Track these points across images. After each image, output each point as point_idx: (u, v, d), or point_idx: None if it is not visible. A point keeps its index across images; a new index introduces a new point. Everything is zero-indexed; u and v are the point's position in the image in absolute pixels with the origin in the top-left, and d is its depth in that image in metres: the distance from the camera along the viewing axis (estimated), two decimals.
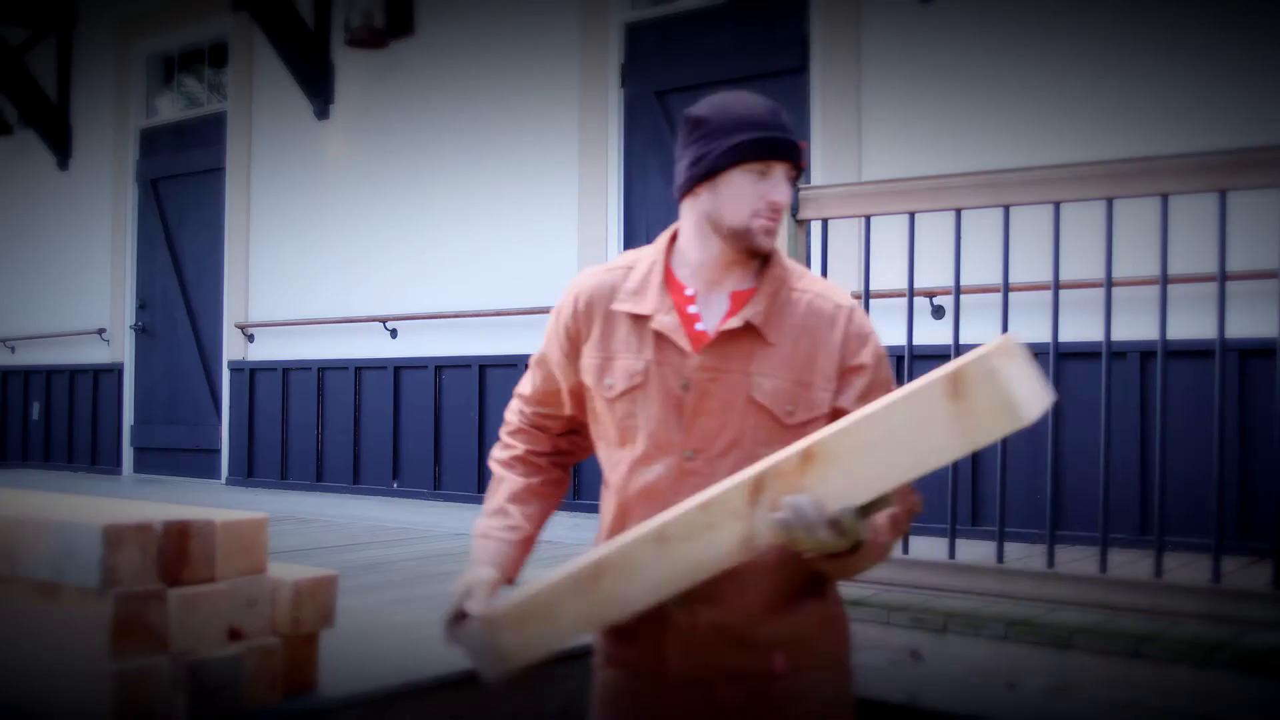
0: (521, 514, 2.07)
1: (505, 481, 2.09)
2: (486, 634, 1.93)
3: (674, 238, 2.03)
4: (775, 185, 1.93)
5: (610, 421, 1.98)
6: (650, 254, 2.03)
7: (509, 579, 2.04)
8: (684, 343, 1.92)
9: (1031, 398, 1.59)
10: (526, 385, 2.12)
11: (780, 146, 1.94)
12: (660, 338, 1.94)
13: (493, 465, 2.12)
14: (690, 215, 1.99)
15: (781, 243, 3.48)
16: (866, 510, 1.69)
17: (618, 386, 1.96)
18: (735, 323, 1.91)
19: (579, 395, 2.03)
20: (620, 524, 1.94)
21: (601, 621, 1.90)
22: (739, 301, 1.95)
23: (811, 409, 1.90)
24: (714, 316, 1.95)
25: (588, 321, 2.00)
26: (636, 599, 1.82)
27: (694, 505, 1.76)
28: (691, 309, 1.96)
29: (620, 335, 1.98)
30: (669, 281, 1.98)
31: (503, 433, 2.13)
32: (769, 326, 1.92)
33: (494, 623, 1.92)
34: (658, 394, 1.93)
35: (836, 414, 1.88)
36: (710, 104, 2.01)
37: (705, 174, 1.95)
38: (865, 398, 1.88)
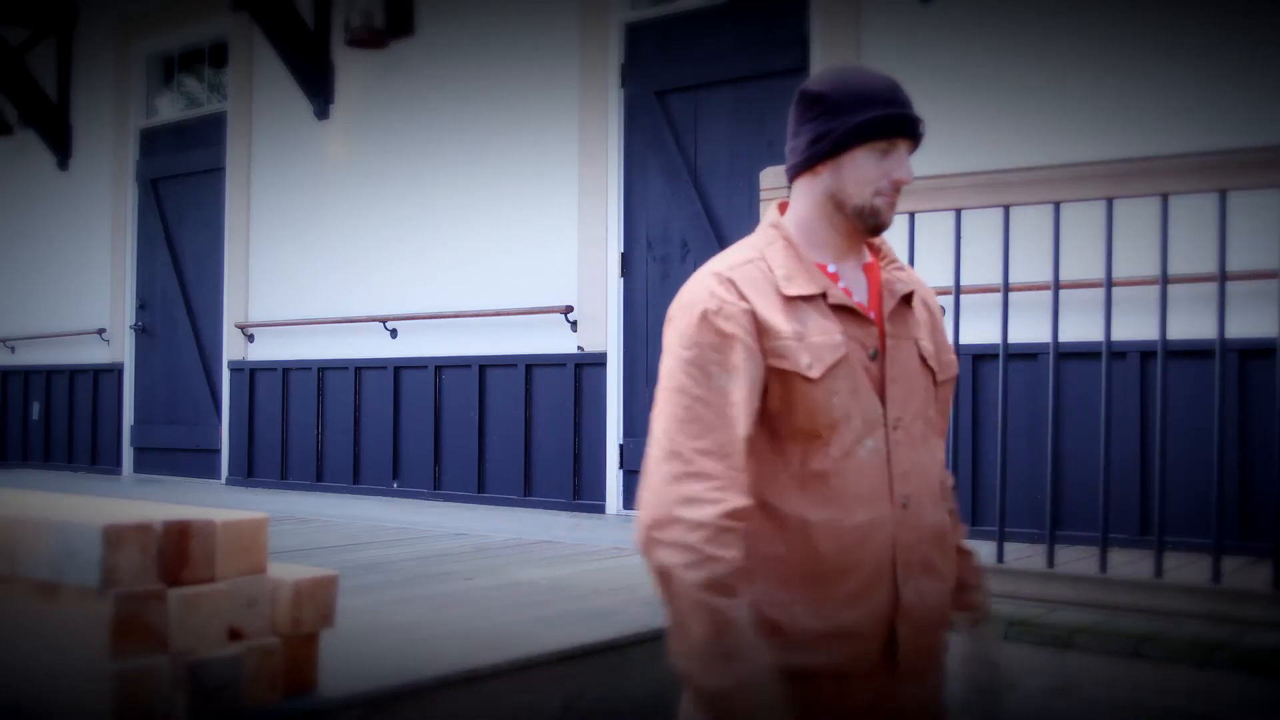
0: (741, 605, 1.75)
1: (738, 609, 1.70)
2: None
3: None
4: (898, 163, 1.91)
5: (815, 402, 1.84)
6: (767, 242, 1.96)
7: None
8: (864, 313, 1.91)
9: None
10: (707, 439, 1.76)
11: (904, 123, 1.91)
12: (840, 312, 1.89)
13: (702, 595, 1.68)
14: (809, 193, 1.96)
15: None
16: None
17: (825, 359, 1.84)
18: (904, 288, 1.95)
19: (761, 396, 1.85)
20: (834, 504, 1.83)
21: None
22: (872, 272, 1.97)
23: (947, 369, 2.00)
24: (859, 289, 1.95)
25: (757, 306, 1.85)
26: None
27: None
28: (841, 284, 1.93)
29: (801, 318, 1.87)
30: (799, 258, 1.93)
31: (696, 540, 1.69)
32: (915, 294, 1.99)
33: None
34: (857, 368, 1.88)
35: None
36: (828, 80, 1.96)
37: (828, 152, 1.92)
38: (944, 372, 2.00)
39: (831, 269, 1.94)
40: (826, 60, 5.40)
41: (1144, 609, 2.95)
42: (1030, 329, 3.87)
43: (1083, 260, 3.64)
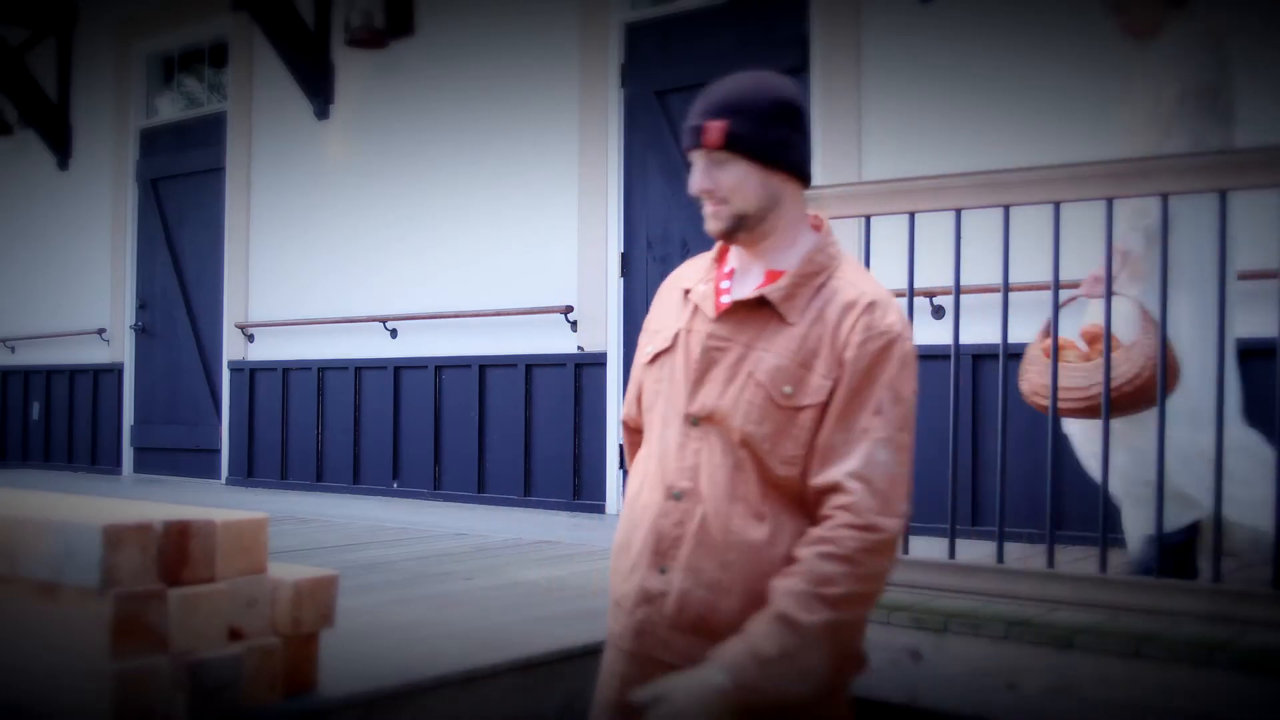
0: None
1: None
2: None
3: None
4: (695, 174, 2.01)
5: (648, 385, 2.04)
6: None
7: None
8: (709, 310, 1.96)
9: None
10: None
11: (688, 136, 2.01)
12: (695, 307, 2.00)
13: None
14: None
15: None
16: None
17: (652, 350, 2.03)
18: (750, 294, 1.94)
19: None
20: (637, 480, 2.01)
21: None
22: (770, 280, 1.97)
23: (809, 395, 1.86)
24: (743, 291, 1.98)
25: (658, 304, 2.12)
26: None
27: None
28: (725, 283, 2.00)
29: (673, 307, 2.06)
30: (720, 258, 2.06)
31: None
32: (788, 305, 1.91)
33: None
34: (681, 359, 1.97)
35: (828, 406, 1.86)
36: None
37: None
38: (859, 397, 1.84)
39: (728, 268, 2.04)
40: (827, 60, 5.40)
41: (1144, 609, 2.95)
42: (1030, 329, 3.86)
43: (1083, 260, 3.64)
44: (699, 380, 1.93)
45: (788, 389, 1.87)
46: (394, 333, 6.99)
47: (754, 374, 1.89)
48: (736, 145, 1.95)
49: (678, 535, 1.90)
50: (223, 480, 7.86)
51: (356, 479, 7.13)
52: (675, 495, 1.91)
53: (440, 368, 6.78)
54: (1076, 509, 4.35)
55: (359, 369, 7.16)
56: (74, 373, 8.99)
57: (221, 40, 8.11)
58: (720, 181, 1.96)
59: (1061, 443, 3.57)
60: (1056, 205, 3.13)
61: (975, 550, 3.40)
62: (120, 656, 1.89)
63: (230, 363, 7.88)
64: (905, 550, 3.36)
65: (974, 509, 4.79)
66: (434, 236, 6.81)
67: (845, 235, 4.61)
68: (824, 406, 1.86)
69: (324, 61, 7.35)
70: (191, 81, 8.53)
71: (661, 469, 1.94)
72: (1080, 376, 3.20)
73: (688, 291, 2.03)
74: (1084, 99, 4.72)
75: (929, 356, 4.70)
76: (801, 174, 2.00)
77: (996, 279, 3.27)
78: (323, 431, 7.35)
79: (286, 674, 2.20)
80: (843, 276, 1.95)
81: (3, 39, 8.80)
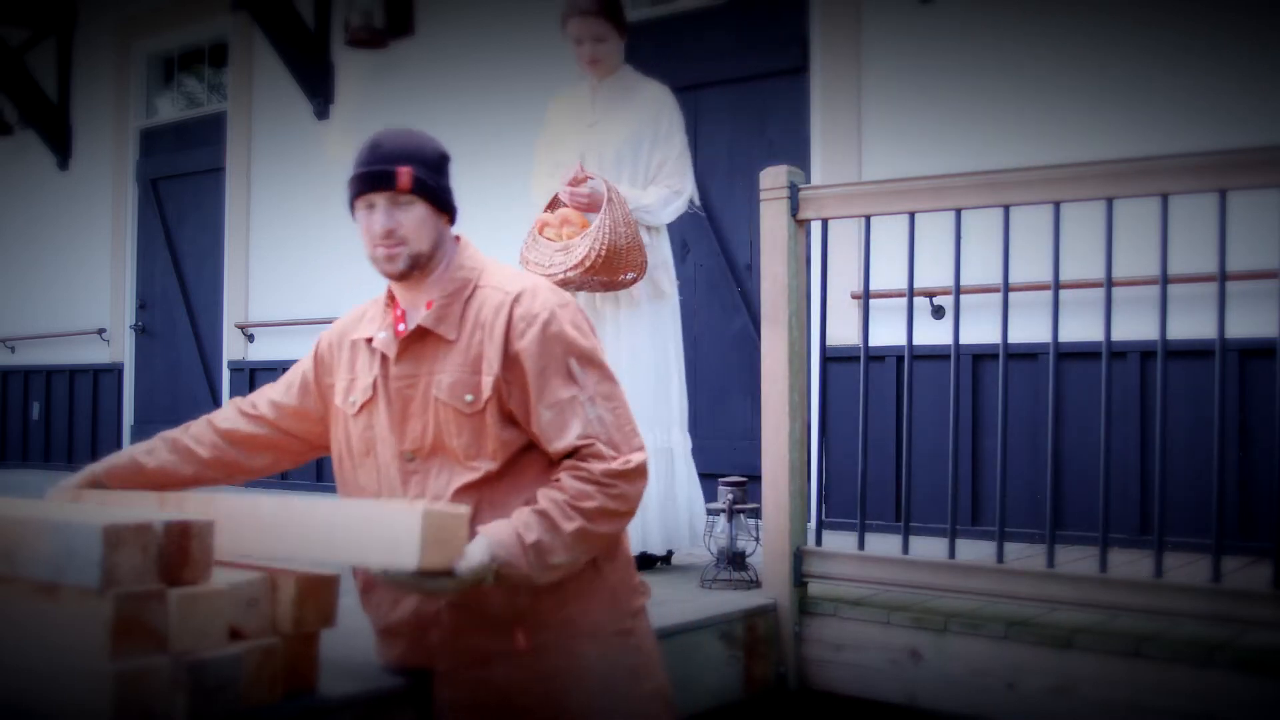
0: (169, 450, 2.46)
1: (213, 423, 2.47)
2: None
3: None
4: (375, 216, 2.15)
5: (355, 435, 2.18)
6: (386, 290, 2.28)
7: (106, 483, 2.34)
8: (392, 354, 2.14)
9: (445, 556, 1.87)
10: (280, 383, 2.36)
11: (365, 180, 2.15)
12: (384, 356, 2.15)
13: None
14: None
15: (781, 242, 3.49)
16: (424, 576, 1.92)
17: (358, 401, 2.18)
18: (405, 328, 2.14)
19: (311, 422, 2.31)
20: None
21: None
22: (430, 309, 2.16)
23: (483, 394, 2.06)
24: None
25: (332, 359, 2.27)
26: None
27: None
28: (400, 326, 2.17)
29: (361, 360, 2.21)
30: (391, 303, 2.22)
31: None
32: (444, 325, 2.10)
33: (61, 491, 2.29)
34: (384, 404, 2.14)
35: (514, 398, 2.06)
36: None
37: (353, 213, 2.24)
38: (545, 376, 2.05)
39: (399, 311, 2.20)
40: (827, 60, 5.41)
41: (1144, 609, 2.95)
42: (1030, 329, 3.87)
43: (1083, 260, 3.64)
44: (402, 419, 2.11)
45: (469, 398, 2.06)
46: None
47: (437, 396, 2.07)
48: (421, 190, 2.14)
49: None
50: None
51: None
52: None
53: None
54: (1076, 509, 4.35)
55: None
56: (74, 373, 8.99)
57: (221, 40, 8.11)
58: (402, 223, 2.12)
59: (1061, 443, 3.58)
60: (1056, 205, 3.13)
61: (975, 550, 3.40)
62: (120, 656, 1.89)
63: (230, 363, 7.88)
64: (905, 550, 3.37)
65: (974, 509, 4.79)
66: None
67: (845, 235, 4.63)
68: (495, 400, 2.06)
69: (324, 61, 7.35)
70: (191, 81, 8.54)
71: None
72: (548, 254, 3.78)
73: (369, 341, 2.19)
74: (1084, 99, 4.73)
75: (929, 356, 4.72)
76: (452, 215, 2.23)
77: (996, 279, 3.27)
78: None
79: (286, 674, 2.20)
80: (486, 282, 2.14)
81: (3, 39, 8.80)
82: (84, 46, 9.01)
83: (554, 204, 3.97)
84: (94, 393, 8.84)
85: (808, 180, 3.82)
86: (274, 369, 7.57)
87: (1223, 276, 2.90)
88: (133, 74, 8.64)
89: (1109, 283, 3.06)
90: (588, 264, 3.69)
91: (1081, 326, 4.01)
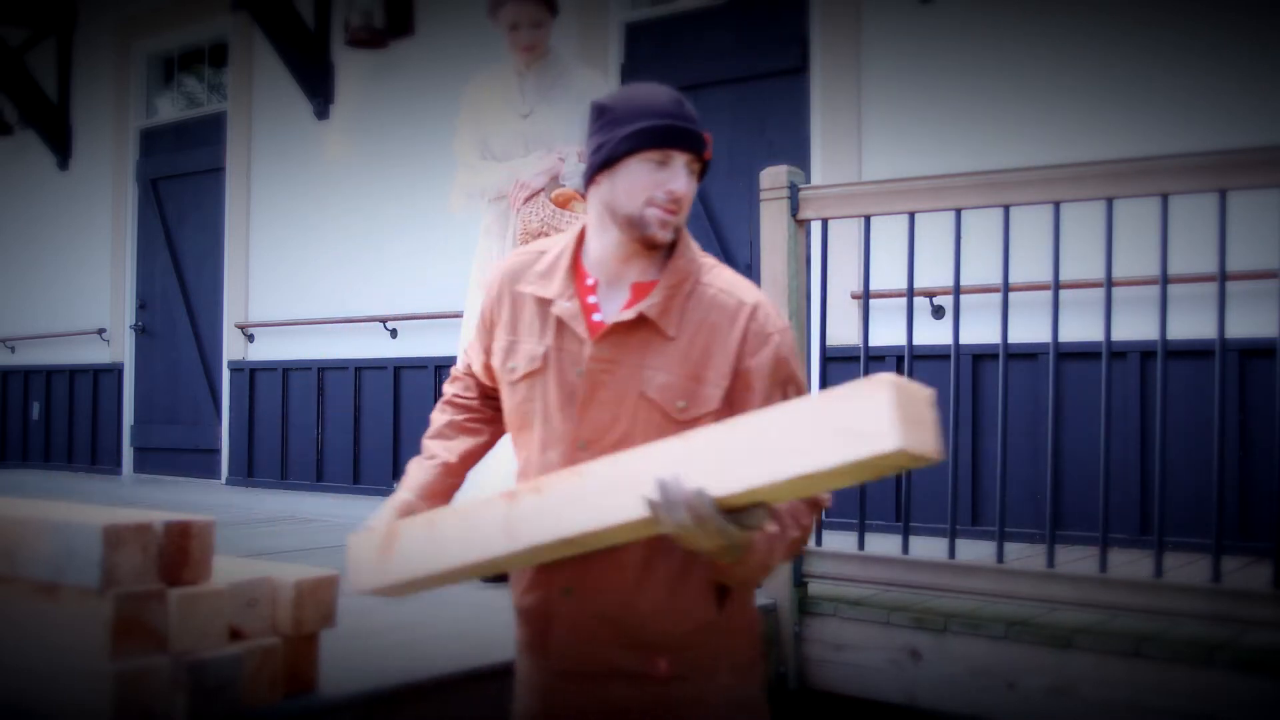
0: (443, 446, 2.11)
1: (434, 423, 2.17)
2: (364, 545, 1.94)
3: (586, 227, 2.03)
4: (674, 175, 1.90)
5: (511, 405, 1.99)
6: (564, 241, 2.02)
7: (428, 503, 2.04)
8: (581, 330, 1.91)
9: (922, 439, 1.53)
10: (473, 348, 2.15)
11: (679, 134, 1.90)
12: (561, 324, 1.93)
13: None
14: (592, 204, 1.98)
15: (781, 242, 3.49)
16: (737, 514, 1.64)
17: (519, 370, 1.97)
18: (629, 315, 1.89)
19: (492, 377, 2.09)
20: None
21: (469, 566, 1.87)
22: (640, 293, 1.93)
23: (702, 405, 1.87)
24: (613, 307, 1.93)
25: (499, 305, 2.04)
26: (511, 553, 1.80)
27: (575, 471, 1.76)
28: (591, 299, 1.95)
29: (526, 319, 1.99)
30: (575, 269, 1.97)
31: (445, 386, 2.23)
32: (666, 319, 1.89)
33: (372, 536, 1.93)
34: (555, 380, 1.93)
35: (731, 412, 1.84)
36: (615, 93, 1.99)
37: (604, 162, 1.92)
38: (768, 399, 1.86)
39: (590, 280, 1.96)
40: (826, 60, 5.41)
41: (1144, 609, 2.95)
42: (1030, 329, 3.87)
43: (1083, 260, 3.64)
44: (585, 403, 1.90)
45: (681, 404, 1.87)
46: (394, 333, 6.99)
47: (645, 392, 1.88)
48: (705, 151, 1.95)
49: (580, 558, 1.87)
50: (223, 480, 7.86)
51: (356, 479, 7.13)
52: None
53: (440, 368, 6.78)
54: (1076, 509, 4.35)
55: (359, 369, 7.16)
56: (74, 373, 8.99)
57: (221, 40, 8.11)
58: (689, 192, 1.93)
59: (1061, 443, 3.58)
60: (1056, 205, 3.13)
61: (975, 550, 3.40)
62: (120, 656, 1.89)
63: (230, 363, 7.88)
64: (905, 550, 3.37)
65: (974, 509, 4.79)
66: (434, 236, 6.81)
67: (845, 235, 4.63)
68: (717, 415, 1.86)
69: (324, 61, 7.35)
70: (191, 81, 8.53)
71: None
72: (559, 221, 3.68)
73: (545, 302, 1.96)
74: (1084, 99, 4.73)
75: (929, 356, 4.72)
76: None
77: (996, 279, 3.27)
78: (323, 431, 7.35)
79: (286, 674, 2.20)
80: (711, 282, 1.94)
81: (3, 39, 8.80)
82: (84, 46, 9.01)
83: (535, 195, 3.85)
84: (94, 393, 8.84)
85: (808, 180, 3.82)
86: (274, 369, 7.58)
87: (1223, 276, 2.90)
88: (133, 74, 8.63)
89: (1109, 283, 3.06)
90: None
91: (1081, 326, 4.01)
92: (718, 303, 1.91)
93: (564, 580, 1.91)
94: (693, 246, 1.97)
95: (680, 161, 1.90)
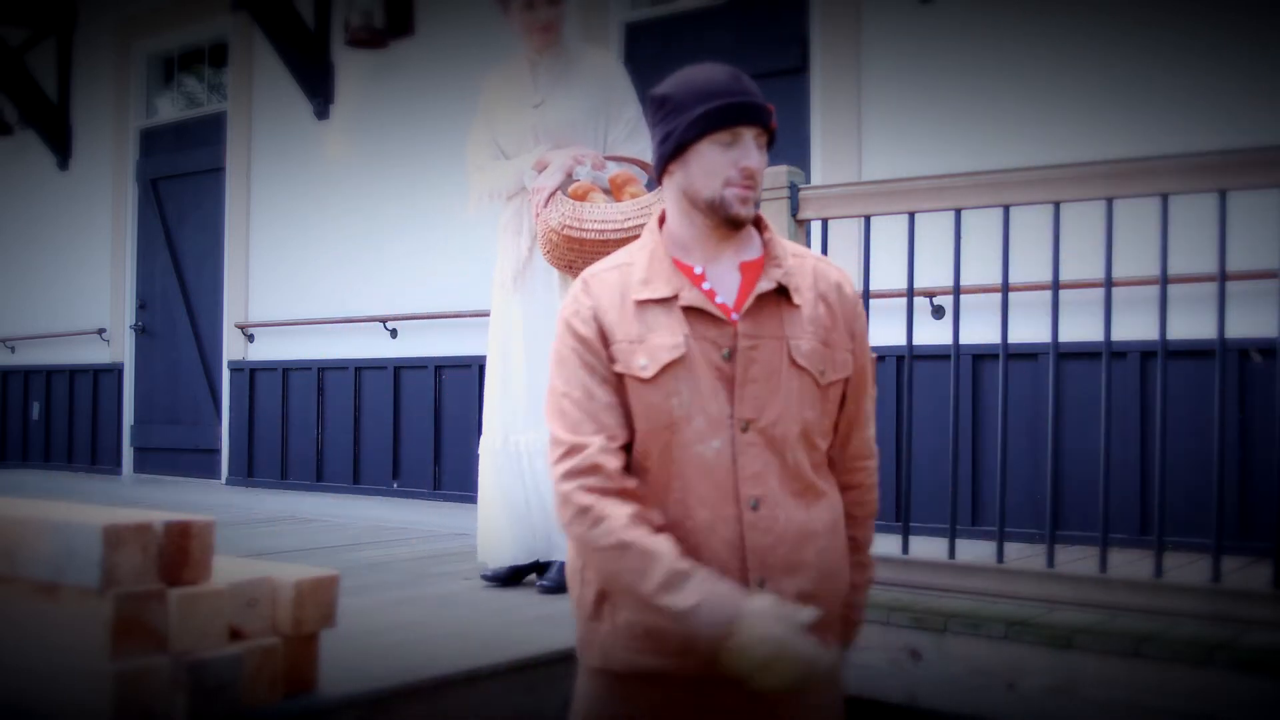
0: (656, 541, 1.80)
1: (654, 539, 1.79)
2: None
3: (661, 222, 2.01)
4: (745, 151, 1.92)
5: (646, 406, 1.86)
6: (640, 247, 1.99)
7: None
8: (717, 313, 1.88)
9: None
10: (595, 402, 1.87)
11: (743, 110, 1.92)
12: (691, 313, 1.89)
13: (620, 537, 1.78)
14: (670, 195, 1.98)
15: (779, 235, 3.49)
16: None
17: (660, 359, 1.86)
18: (767, 285, 1.90)
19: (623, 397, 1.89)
20: (676, 504, 1.85)
21: None
22: (751, 270, 1.94)
23: (839, 369, 1.94)
24: (728, 289, 1.93)
25: (606, 320, 1.90)
26: None
27: None
28: (705, 285, 1.92)
29: (648, 321, 1.90)
30: (674, 261, 1.94)
31: (585, 496, 1.82)
32: (795, 289, 1.93)
33: None
34: (702, 367, 1.87)
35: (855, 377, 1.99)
36: (672, 80, 1.99)
37: (674, 150, 1.93)
38: (869, 367, 1.99)
39: (699, 270, 1.94)
40: (826, 60, 5.40)
41: (1144, 609, 2.95)
42: (1030, 329, 3.87)
43: (1083, 260, 3.64)
44: (741, 383, 1.87)
45: (822, 369, 1.92)
46: (394, 333, 6.99)
47: (795, 360, 1.89)
48: (772, 132, 1.99)
49: (768, 543, 1.85)
50: (223, 480, 7.86)
51: (356, 479, 7.13)
52: (753, 505, 1.85)
53: (440, 368, 6.78)
54: (1076, 509, 4.36)
55: (359, 369, 7.16)
56: (74, 373, 8.99)
57: (221, 40, 8.11)
58: (761, 166, 1.95)
59: (1061, 443, 3.57)
60: (1056, 205, 3.13)
61: (975, 550, 3.40)
62: (120, 656, 1.89)
63: (230, 363, 7.88)
64: (905, 550, 3.37)
65: (974, 509, 4.79)
66: (434, 236, 6.81)
67: (845, 235, 4.63)
68: (848, 381, 1.97)
69: (324, 61, 7.35)
70: (191, 81, 8.53)
71: (715, 482, 1.84)
72: (615, 211, 3.61)
73: (662, 300, 1.89)
74: (1084, 99, 4.73)
75: (929, 356, 4.71)
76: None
77: (996, 279, 3.27)
78: (323, 431, 7.35)
79: (286, 674, 2.20)
80: (804, 255, 2.02)
81: (3, 39, 8.80)
82: (84, 46, 9.01)
83: (553, 194, 3.74)
84: (94, 393, 8.84)
85: (808, 180, 3.82)
86: (274, 369, 7.58)
87: (1223, 276, 2.90)
88: (133, 74, 8.64)
89: (1109, 283, 3.06)
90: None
91: (1081, 326, 4.00)
92: (820, 272, 1.98)
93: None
94: (769, 226, 2.03)
95: (749, 136, 1.93)
